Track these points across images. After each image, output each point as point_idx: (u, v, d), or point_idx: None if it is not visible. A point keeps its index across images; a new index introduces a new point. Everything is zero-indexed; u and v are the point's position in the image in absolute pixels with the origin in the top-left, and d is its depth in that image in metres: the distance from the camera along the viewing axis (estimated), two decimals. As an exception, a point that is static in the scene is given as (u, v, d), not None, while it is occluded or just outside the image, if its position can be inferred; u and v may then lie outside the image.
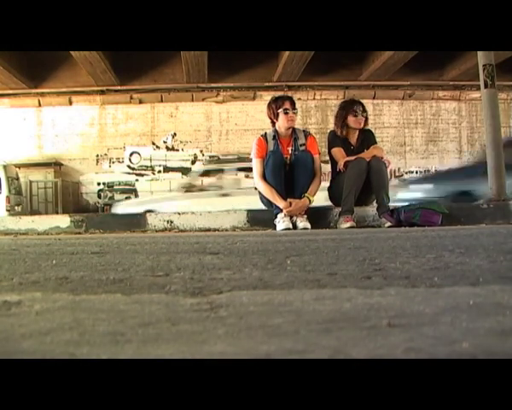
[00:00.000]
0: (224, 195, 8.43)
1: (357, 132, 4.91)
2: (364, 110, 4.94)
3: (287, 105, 4.68)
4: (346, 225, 4.41)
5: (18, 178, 15.73)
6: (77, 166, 17.66)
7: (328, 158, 5.11)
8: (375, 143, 4.98)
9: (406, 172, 17.56)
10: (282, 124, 4.68)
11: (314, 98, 17.58)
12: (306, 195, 4.54)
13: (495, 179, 5.53)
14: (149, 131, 17.99)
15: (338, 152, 4.82)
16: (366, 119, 4.96)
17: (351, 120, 4.84)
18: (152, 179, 17.91)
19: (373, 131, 5.33)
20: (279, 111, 4.68)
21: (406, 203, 5.04)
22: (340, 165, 4.69)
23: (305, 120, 16.85)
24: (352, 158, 4.64)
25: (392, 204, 4.74)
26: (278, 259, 1.66)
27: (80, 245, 2.73)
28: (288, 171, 4.63)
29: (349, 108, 4.89)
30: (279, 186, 4.56)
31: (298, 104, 4.97)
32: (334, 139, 4.92)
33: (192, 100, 17.72)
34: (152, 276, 1.31)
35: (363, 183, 4.59)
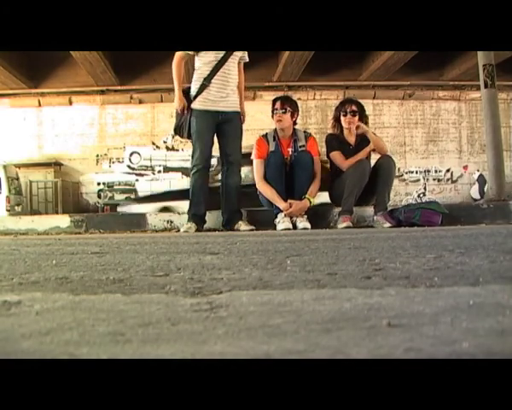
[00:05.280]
0: None
1: (355, 132, 4.89)
2: (357, 110, 4.86)
3: (276, 105, 4.76)
4: (342, 224, 4.43)
5: (18, 178, 15.74)
6: (77, 167, 17.64)
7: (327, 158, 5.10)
8: None
9: (406, 172, 17.56)
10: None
11: (314, 98, 17.56)
12: (307, 196, 4.55)
13: (495, 179, 5.53)
14: (149, 131, 17.97)
15: (337, 155, 4.80)
16: (362, 118, 4.91)
17: (342, 119, 4.84)
18: (152, 179, 17.90)
19: (372, 131, 5.32)
20: (272, 112, 4.79)
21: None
22: (345, 170, 4.68)
23: (305, 120, 16.83)
24: (354, 161, 4.64)
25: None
26: (278, 259, 1.66)
27: (80, 245, 2.73)
28: (288, 172, 4.63)
29: (340, 107, 4.90)
30: (280, 187, 4.56)
31: (298, 104, 4.95)
32: (331, 142, 4.90)
33: (192, 100, 17.67)
34: (152, 276, 1.31)
35: (367, 182, 4.58)
